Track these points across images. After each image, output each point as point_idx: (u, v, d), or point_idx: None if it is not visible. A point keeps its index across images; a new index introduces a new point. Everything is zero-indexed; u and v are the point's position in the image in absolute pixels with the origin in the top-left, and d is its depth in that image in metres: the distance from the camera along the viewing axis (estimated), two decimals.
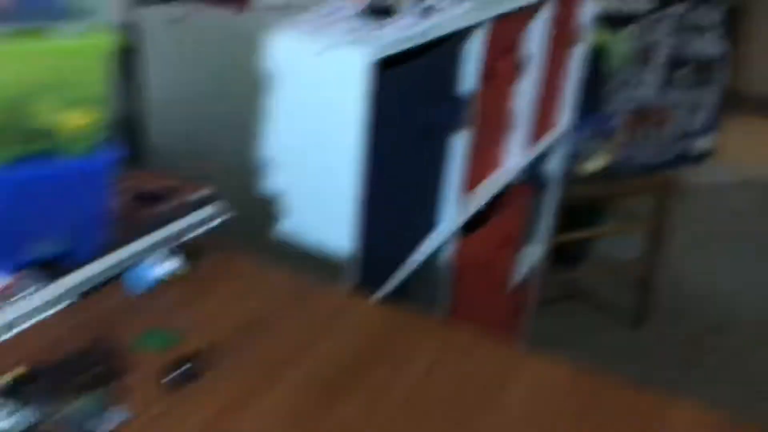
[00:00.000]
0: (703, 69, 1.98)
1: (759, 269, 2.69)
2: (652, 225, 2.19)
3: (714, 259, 2.74)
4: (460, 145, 1.16)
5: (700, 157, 2.12)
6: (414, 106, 0.95)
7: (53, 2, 0.52)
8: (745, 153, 3.90)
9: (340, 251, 0.90)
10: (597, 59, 1.83)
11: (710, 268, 2.68)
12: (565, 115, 1.81)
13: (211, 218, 0.72)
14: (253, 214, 0.94)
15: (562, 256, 2.59)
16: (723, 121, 2.08)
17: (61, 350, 0.56)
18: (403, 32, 0.87)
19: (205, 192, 0.73)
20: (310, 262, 0.92)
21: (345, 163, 0.85)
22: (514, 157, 1.51)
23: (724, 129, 3.59)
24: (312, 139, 0.86)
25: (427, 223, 1.18)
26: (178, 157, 0.98)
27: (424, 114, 0.98)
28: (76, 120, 0.54)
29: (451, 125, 1.02)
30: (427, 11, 0.95)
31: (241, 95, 0.89)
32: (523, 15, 1.30)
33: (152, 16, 0.92)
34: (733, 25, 1.96)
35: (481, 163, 1.35)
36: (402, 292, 1.23)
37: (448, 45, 1.00)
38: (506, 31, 1.24)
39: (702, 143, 2.10)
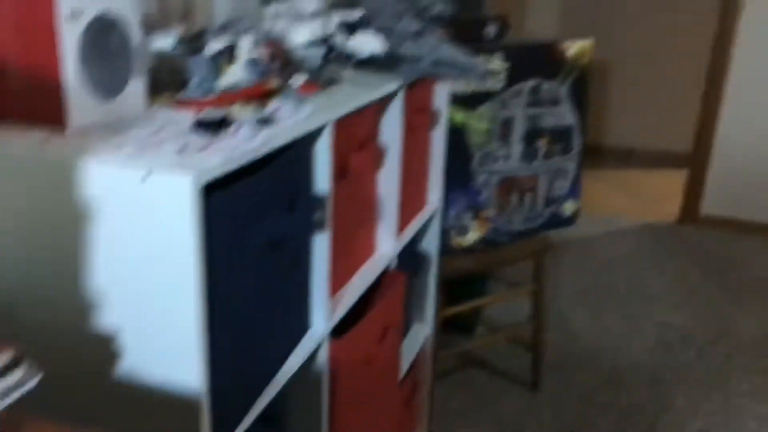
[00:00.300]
0: (560, 138, 2.06)
1: (640, 317, 2.78)
2: (532, 288, 2.21)
3: (597, 312, 2.81)
4: (320, 247, 1.11)
5: (569, 220, 2.18)
6: (260, 217, 0.89)
7: None
8: (611, 204, 4.11)
9: (189, 386, 0.81)
10: (459, 137, 1.85)
11: (595, 321, 2.74)
12: (433, 194, 1.81)
13: (17, 386, 0.62)
14: (85, 358, 0.84)
15: (452, 326, 2.58)
16: (588, 176, 2.16)
17: None
18: (237, 148, 0.82)
19: (9, 354, 0.63)
20: (156, 404, 0.83)
21: (182, 291, 0.77)
22: (384, 245, 1.47)
23: (590, 182, 3.77)
24: (143, 269, 0.78)
25: (293, 334, 1.11)
26: None
27: (273, 223, 0.92)
28: None
29: (305, 230, 0.97)
30: (265, 121, 0.91)
31: (60, 228, 0.80)
32: (374, 108, 1.28)
33: None
34: (582, 92, 2.05)
35: (348, 258, 1.31)
36: (275, 411, 1.14)
37: (293, 150, 0.96)
38: (357, 126, 1.22)
39: (569, 206, 2.16)
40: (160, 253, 0.77)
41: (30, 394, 0.64)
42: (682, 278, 3.14)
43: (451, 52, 1.25)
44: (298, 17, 1.32)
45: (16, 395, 0.62)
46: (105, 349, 0.82)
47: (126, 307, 0.81)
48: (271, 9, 1.36)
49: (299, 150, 0.99)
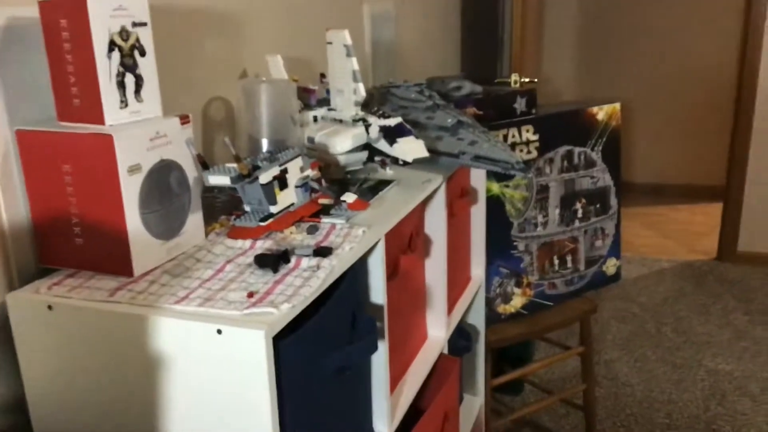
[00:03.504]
0: (597, 199, 2.06)
1: (690, 365, 2.73)
2: (580, 350, 2.19)
3: (645, 362, 2.77)
4: (380, 355, 1.12)
5: (612, 278, 2.17)
6: (327, 346, 0.91)
7: None
8: (645, 242, 4.07)
9: None
10: (496, 207, 1.87)
11: (644, 372, 2.70)
12: (476, 269, 1.82)
13: None
14: None
15: (498, 388, 2.55)
16: (621, 215, 2.16)
17: None
18: (301, 291, 0.84)
19: None
20: None
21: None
22: (435, 330, 1.48)
23: (623, 222, 3.72)
24: (218, 415, 0.80)
25: None
26: None
27: (339, 355, 0.93)
28: None
29: (370, 352, 0.98)
30: (322, 251, 0.93)
31: (134, 377, 0.82)
32: (417, 208, 1.31)
33: (21, 300, 0.85)
34: (614, 153, 2.06)
35: (402, 351, 1.31)
36: None
37: (349, 273, 0.98)
38: (404, 227, 1.24)
39: (611, 264, 2.15)
40: (234, 399, 0.78)
41: None
42: (728, 320, 3.08)
43: (489, 147, 1.27)
44: (339, 122, 1.36)
45: None
46: None
47: None
48: (311, 114, 1.40)
49: (355, 269, 1.01)
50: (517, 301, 2.02)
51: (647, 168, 5.00)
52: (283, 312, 0.78)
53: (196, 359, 0.78)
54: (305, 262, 0.91)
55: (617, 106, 2.04)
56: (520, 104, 1.85)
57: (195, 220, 1.00)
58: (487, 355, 1.95)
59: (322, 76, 1.56)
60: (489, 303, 1.95)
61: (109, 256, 0.89)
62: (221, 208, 1.14)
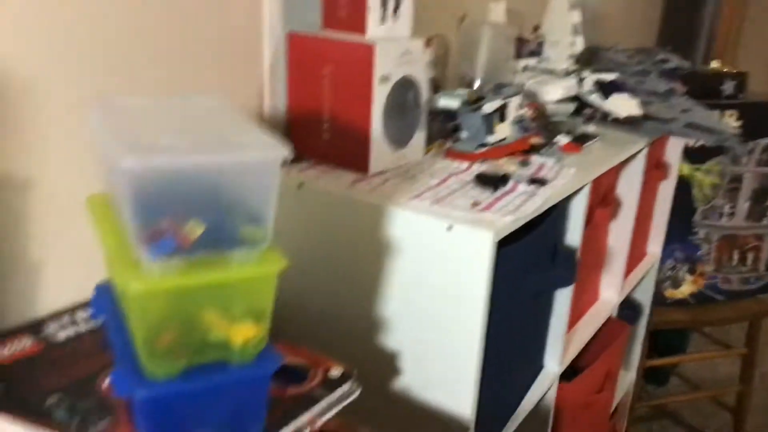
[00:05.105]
0: None
1: None
2: (744, 351, 2.11)
3: None
4: (565, 296, 1.17)
5: None
6: (532, 270, 0.97)
7: (228, 234, 0.57)
8: None
9: (460, 412, 0.91)
10: (683, 189, 1.83)
11: None
12: (654, 245, 1.80)
13: (344, 397, 0.75)
14: (374, 370, 0.96)
15: (648, 375, 2.51)
16: None
17: None
18: (522, 207, 0.90)
19: (340, 370, 0.76)
20: (429, 419, 0.93)
21: (466, 329, 0.87)
22: (608, 292, 1.51)
23: None
24: (433, 304, 0.89)
25: (532, 373, 1.18)
26: (298, 314, 1.02)
27: (542, 278, 1.00)
28: (246, 333, 0.58)
29: (566, 284, 1.04)
30: (536, 180, 0.99)
31: (363, 258, 0.93)
32: (615, 167, 1.33)
33: None
34: None
35: (576, 303, 1.35)
36: None
37: (558, 207, 1.03)
38: (602, 181, 1.27)
39: None
40: (451, 293, 0.87)
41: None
42: None
43: (704, 116, 1.26)
44: (549, 73, 1.40)
45: (345, 403, 0.74)
46: (386, 367, 0.94)
47: (409, 335, 0.92)
48: (521, 63, 1.45)
49: (561, 206, 1.06)
50: (687, 289, 1.98)
51: None
52: (507, 222, 0.85)
53: (424, 250, 0.87)
54: (522, 187, 0.98)
55: None
56: (728, 87, 1.79)
57: (420, 136, 1.09)
58: (646, 333, 1.94)
59: (536, 28, 1.60)
60: (657, 284, 1.93)
61: (350, 153, 1.00)
62: (434, 133, 1.22)
